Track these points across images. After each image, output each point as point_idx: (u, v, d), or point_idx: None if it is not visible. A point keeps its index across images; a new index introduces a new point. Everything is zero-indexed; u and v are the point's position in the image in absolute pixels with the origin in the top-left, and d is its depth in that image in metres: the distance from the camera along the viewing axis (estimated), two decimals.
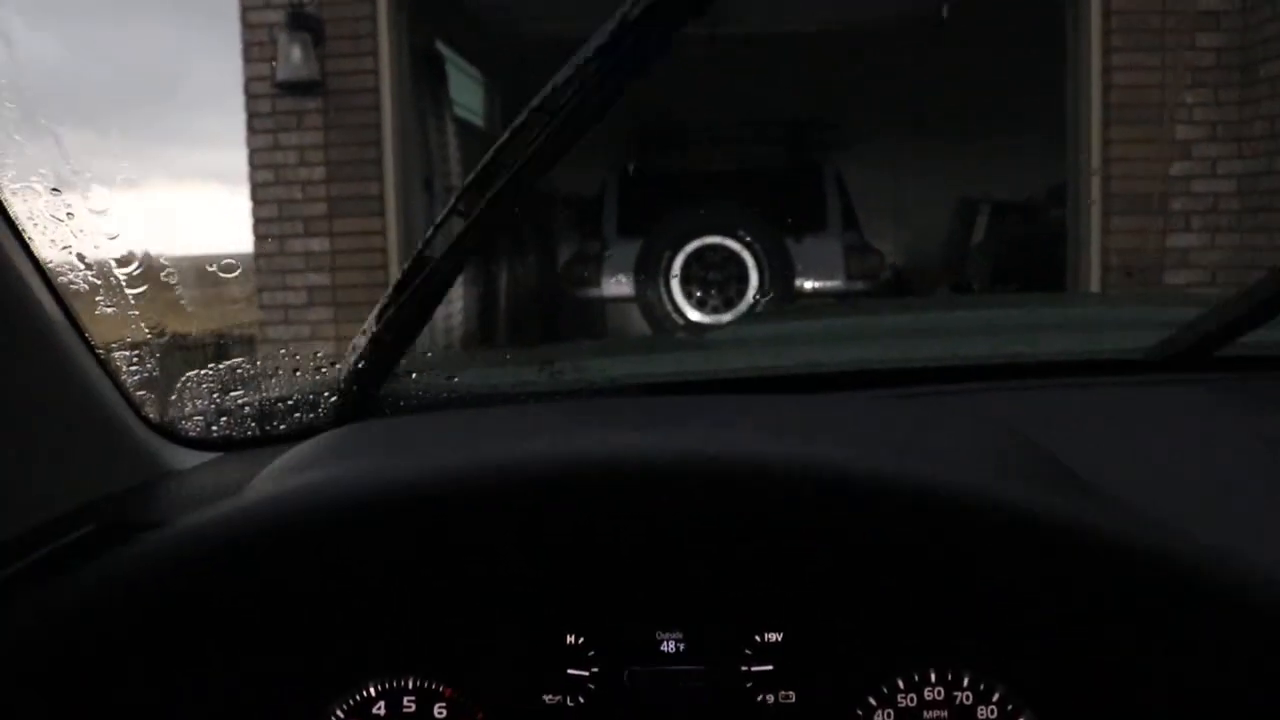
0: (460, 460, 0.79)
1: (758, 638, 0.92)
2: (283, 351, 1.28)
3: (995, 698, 0.90)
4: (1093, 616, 0.77)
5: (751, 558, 0.86)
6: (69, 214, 0.99)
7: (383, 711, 0.94)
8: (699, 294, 7.02)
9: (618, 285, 7.28)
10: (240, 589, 0.79)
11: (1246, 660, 0.71)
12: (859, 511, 0.75)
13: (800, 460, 0.77)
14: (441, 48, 7.11)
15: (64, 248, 1.03)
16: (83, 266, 1.07)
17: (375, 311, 1.14)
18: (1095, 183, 5.82)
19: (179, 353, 1.35)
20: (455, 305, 6.87)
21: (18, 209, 0.92)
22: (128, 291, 1.18)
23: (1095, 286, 5.84)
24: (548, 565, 0.89)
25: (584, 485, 0.77)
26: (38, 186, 0.96)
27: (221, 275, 1.31)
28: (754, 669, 0.92)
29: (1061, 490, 0.85)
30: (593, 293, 7.39)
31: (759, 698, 0.92)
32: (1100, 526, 0.73)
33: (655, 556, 0.88)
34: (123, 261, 1.18)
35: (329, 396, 1.28)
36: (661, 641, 0.93)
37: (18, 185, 0.98)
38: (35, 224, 0.94)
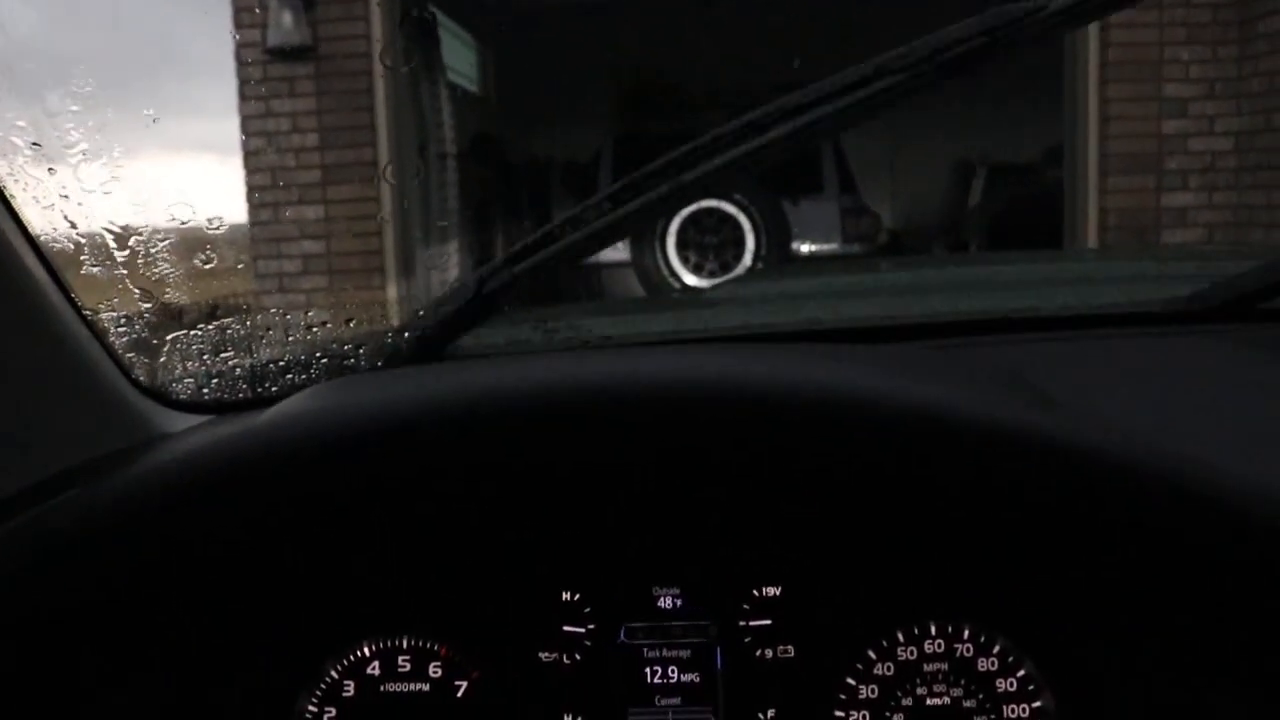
0: (449, 389, 0.78)
1: (756, 592, 0.91)
2: (273, 310, 1.27)
3: (996, 649, 0.90)
4: (1092, 548, 0.75)
5: (745, 491, 0.85)
6: (50, 170, 0.97)
7: (377, 671, 0.93)
8: (695, 258, 7.00)
9: (614, 250, 7.25)
10: (219, 526, 0.78)
11: (1254, 596, 0.70)
12: (854, 432, 0.73)
13: (790, 379, 0.75)
14: (434, 11, 7.04)
15: (47, 206, 1.01)
16: (71, 230, 1.05)
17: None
18: (1092, 141, 5.79)
19: (172, 316, 1.33)
20: (451, 272, 6.84)
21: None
22: (117, 256, 1.16)
23: (1093, 245, 5.82)
24: (543, 510, 0.88)
25: (576, 407, 0.76)
26: (18, 140, 0.94)
27: (209, 232, 1.29)
28: (753, 623, 0.91)
29: (1059, 414, 0.83)
30: (589, 258, 7.36)
31: (758, 652, 0.91)
32: (1101, 444, 0.72)
33: (650, 503, 0.87)
34: (113, 228, 1.17)
35: (321, 357, 1.26)
36: (659, 597, 0.92)
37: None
38: (16, 180, 0.93)
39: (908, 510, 0.82)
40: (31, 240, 0.98)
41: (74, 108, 1.14)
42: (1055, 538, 0.77)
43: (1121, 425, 0.97)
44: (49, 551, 0.80)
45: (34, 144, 0.95)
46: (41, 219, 1.01)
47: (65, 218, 1.04)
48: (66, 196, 1.02)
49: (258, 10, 5.66)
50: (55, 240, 1.03)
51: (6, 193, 0.94)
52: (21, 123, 0.96)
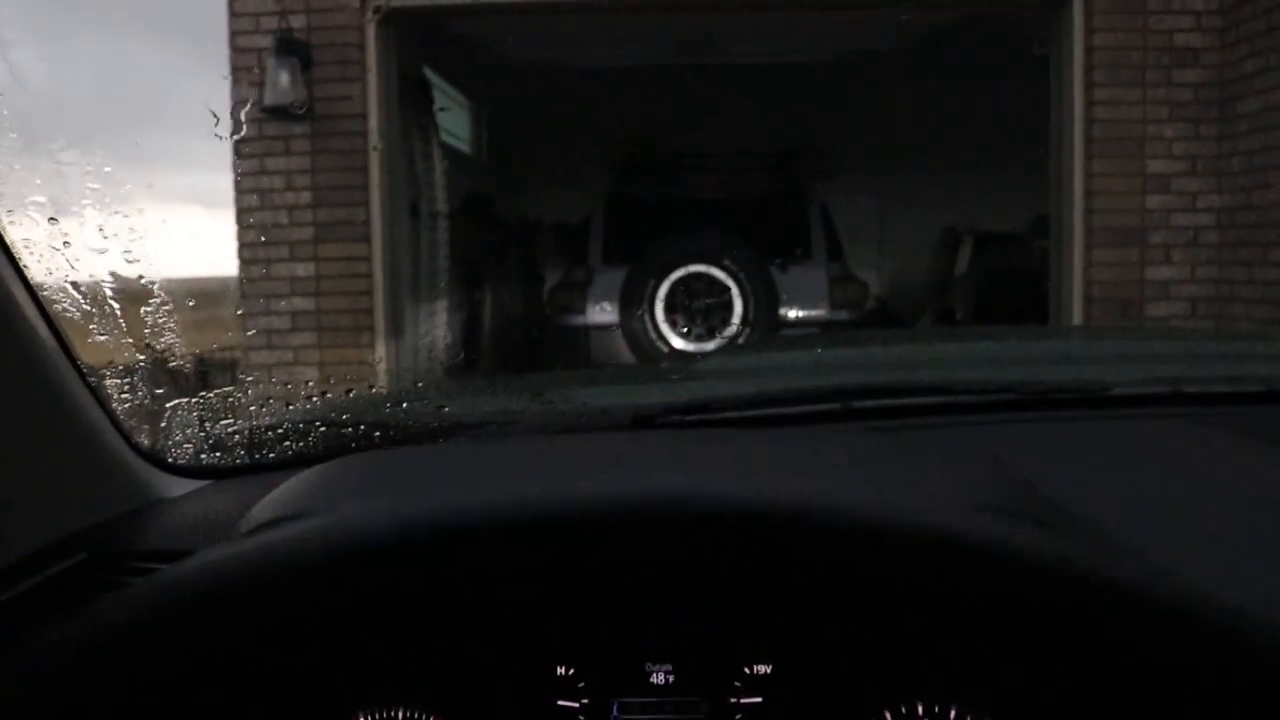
0: (454, 503, 0.80)
1: (747, 669, 0.92)
2: (274, 380, 1.29)
3: None
4: (1070, 652, 0.77)
5: (738, 597, 0.87)
6: (65, 243, 0.99)
7: None
8: (683, 322, 7.04)
9: (602, 313, 7.29)
10: (235, 634, 0.79)
11: (1238, 698, 0.72)
12: (830, 550, 0.76)
13: (775, 500, 0.78)
14: (429, 74, 7.13)
15: (59, 275, 1.03)
16: (75, 293, 1.07)
17: None
18: (1077, 215, 5.87)
19: (167, 379, 1.35)
20: (440, 332, 6.87)
21: (13, 235, 0.93)
22: (119, 318, 1.18)
23: (1077, 318, 5.88)
24: (539, 602, 0.89)
25: (580, 526, 0.78)
26: (35, 215, 0.96)
27: (203, 288, 1.31)
28: (743, 700, 0.92)
29: (1032, 524, 0.85)
30: (577, 320, 7.40)
31: None
32: (1072, 561, 0.74)
33: (645, 592, 0.88)
34: (114, 286, 1.19)
35: (319, 425, 1.28)
36: (651, 673, 0.93)
37: (12, 210, 0.99)
38: (31, 252, 0.95)
39: (885, 605, 0.84)
40: (39, 303, 1.00)
41: (77, 167, 1.17)
42: (1029, 636, 0.79)
43: (1112, 519, 1.00)
44: (49, 654, 0.80)
45: (51, 219, 0.97)
46: (47, 282, 1.03)
47: (71, 283, 1.06)
48: (75, 268, 1.04)
49: (255, 70, 5.72)
50: (66, 310, 1.05)
51: (18, 259, 0.97)
52: (40, 197, 0.98)
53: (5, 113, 1.06)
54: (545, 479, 0.91)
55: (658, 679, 0.93)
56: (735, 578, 0.81)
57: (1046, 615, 0.74)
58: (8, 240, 0.95)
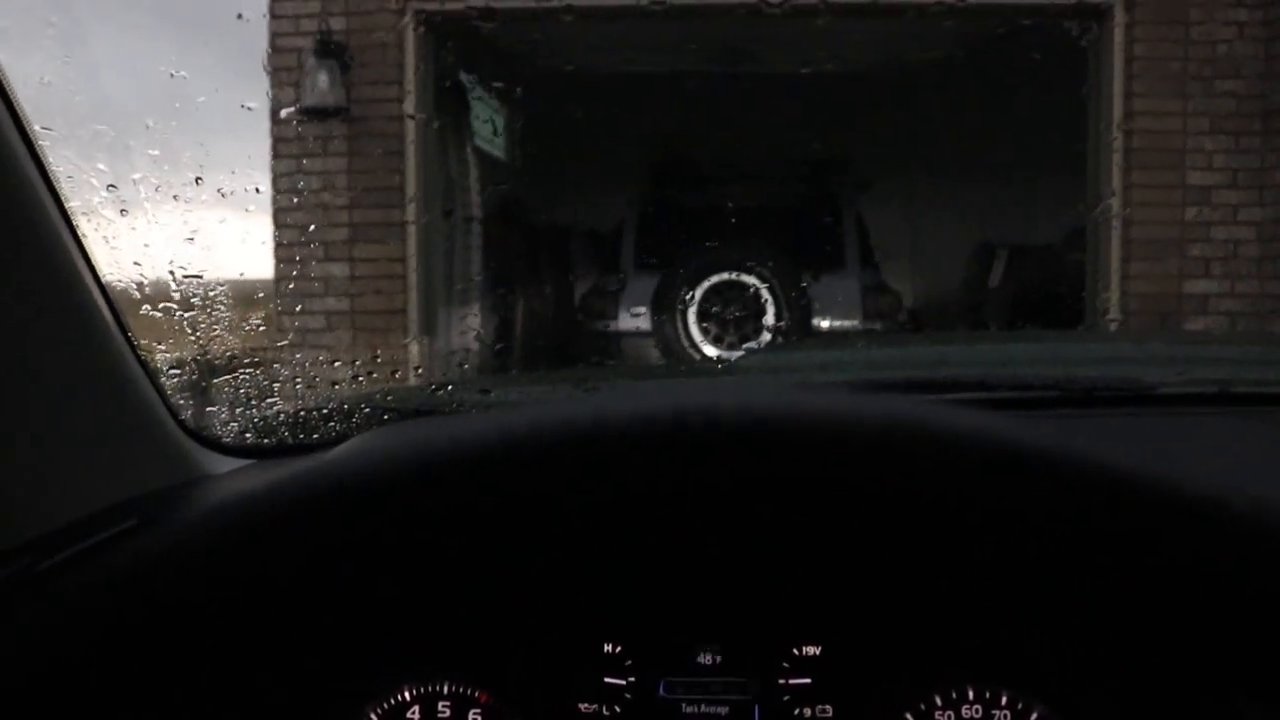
0: (501, 422, 0.77)
1: (796, 651, 0.92)
2: (321, 358, 1.29)
3: (1034, 717, 0.90)
4: (1141, 606, 0.74)
5: (798, 536, 0.83)
6: (122, 211, 1.00)
7: (417, 715, 0.93)
8: (716, 330, 7.02)
9: (634, 318, 7.28)
10: (267, 567, 0.78)
11: None
12: (917, 462, 0.71)
13: (862, 408, 0.73)
14: (465, 79, 7.16)
15: (118, 256, 1.04)
16: (135, 270, 1.08)
17: None
18: (1115, 227, 5.82)
19: (211, 368, 1.36)
20: (472, 335, 6.89)
21: (74, 204, 0.93)
22: (174, 300, 1.19)
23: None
24: (591, 559, 0.88)
25: (640, 439, 0.75)
26: (94, 181, 0.97)
27: (240, 284, 1.33)
28: (792, 682, 0.92)
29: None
30: (610, 326, 7.40)
31: (796, 711, 0.91)
32: (1164, 479, 0.69)
33: (697, 556, 0.87)
34: (172, 272, 1.19)
35: (364, 407, 1.28)
36: (699, 653, 0.93)
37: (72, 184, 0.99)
38: (89, 219, 0.95)
39: (951, 564, 0.82)
40: (97, 276, 1.01)
41: (119, 164, 1.18)
42: (1100, 585, 0.76)
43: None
44: (104, 586, 0.80)
45: (110, 185, 0.97)
46: (105, 256, 1.04)
47: (133, 262, 1.07)
48: (133, 231, 1.05)
49: (295, 71, 5.76)
50: (120, 282, 1.06)
51: (78, 229, 0.97)
52: (101, 165, 0.99)
53: (76, 109, 1.07)
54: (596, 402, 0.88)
55: (705, 659, 0.93)
56: (796, 497, 0.76)
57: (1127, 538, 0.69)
58: (74, 221, 0.96)
